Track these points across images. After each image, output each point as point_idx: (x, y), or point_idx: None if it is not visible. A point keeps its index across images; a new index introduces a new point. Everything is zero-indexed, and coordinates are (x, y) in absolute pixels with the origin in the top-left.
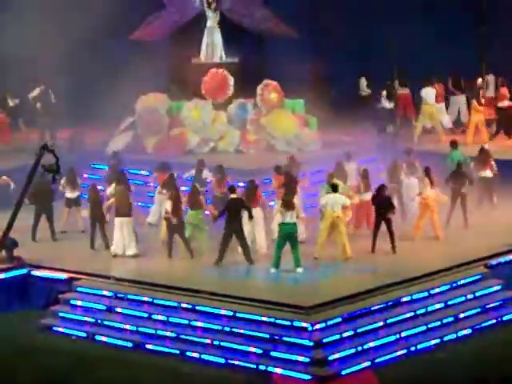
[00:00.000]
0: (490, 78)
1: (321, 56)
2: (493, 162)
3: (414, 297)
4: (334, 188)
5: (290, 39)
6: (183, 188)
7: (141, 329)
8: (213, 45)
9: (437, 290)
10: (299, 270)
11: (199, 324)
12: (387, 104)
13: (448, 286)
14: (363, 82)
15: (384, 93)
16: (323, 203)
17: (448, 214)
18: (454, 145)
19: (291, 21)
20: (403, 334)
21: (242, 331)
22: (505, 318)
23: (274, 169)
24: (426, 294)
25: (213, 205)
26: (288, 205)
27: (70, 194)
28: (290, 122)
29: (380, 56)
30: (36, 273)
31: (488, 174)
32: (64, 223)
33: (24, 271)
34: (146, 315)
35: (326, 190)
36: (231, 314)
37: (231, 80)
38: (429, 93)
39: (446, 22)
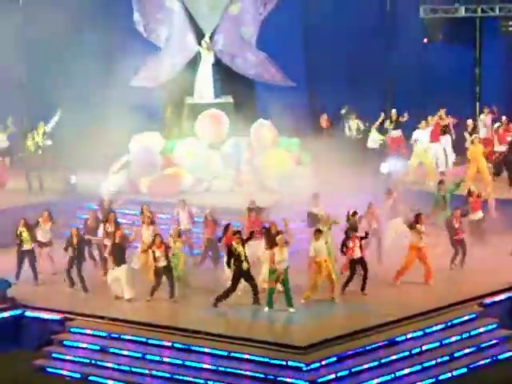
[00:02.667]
0: (487, 118)
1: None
2: (491, 201)
3: (409, 336)
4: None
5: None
6: None
7: (135, 369)
8: (206, 84)
9: (432, 329)
10: (292, 310)
11: (193, 364)
12: (372, 144)
13: (443, 325)
14: (352, 123)
15: (370, 134)
16: (312, 251)
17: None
18: (440, 184)
19: (285, 62)
20: (398, 374)
21: (236, 371)
22: (500, 357)
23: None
24: (420, 333)
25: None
26: (283, 244)
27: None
28: (283, 161)
29: (372, 96)
30: (29, 313)
31: (478, 216)
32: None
33: (17, 312)
34: (139, 355)
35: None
36: (225, 353)
37: (226, 120)
38: (421, 135)
39: (440, 62)
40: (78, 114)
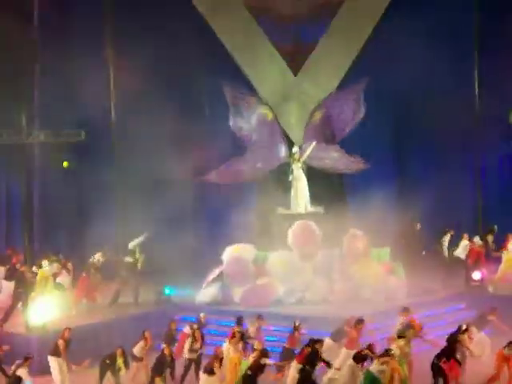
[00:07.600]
0: None
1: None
2: None
3: None
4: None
5: (374, 191)
6: None
7: None
8: (298, 195)
9: None
10: None
11: None
12: (462, 255)
13: None
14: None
15: (461, 244)
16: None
17: None
18: None
19: (376, 174)
20: None
21: None
22: None
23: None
24: None
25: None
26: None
27: None
28: (376, 271)
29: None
30: None
31: None
32: None
33: None
34: None
35: None
36: None
37: (318, 231)
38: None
39: None
40: (168, 227)
